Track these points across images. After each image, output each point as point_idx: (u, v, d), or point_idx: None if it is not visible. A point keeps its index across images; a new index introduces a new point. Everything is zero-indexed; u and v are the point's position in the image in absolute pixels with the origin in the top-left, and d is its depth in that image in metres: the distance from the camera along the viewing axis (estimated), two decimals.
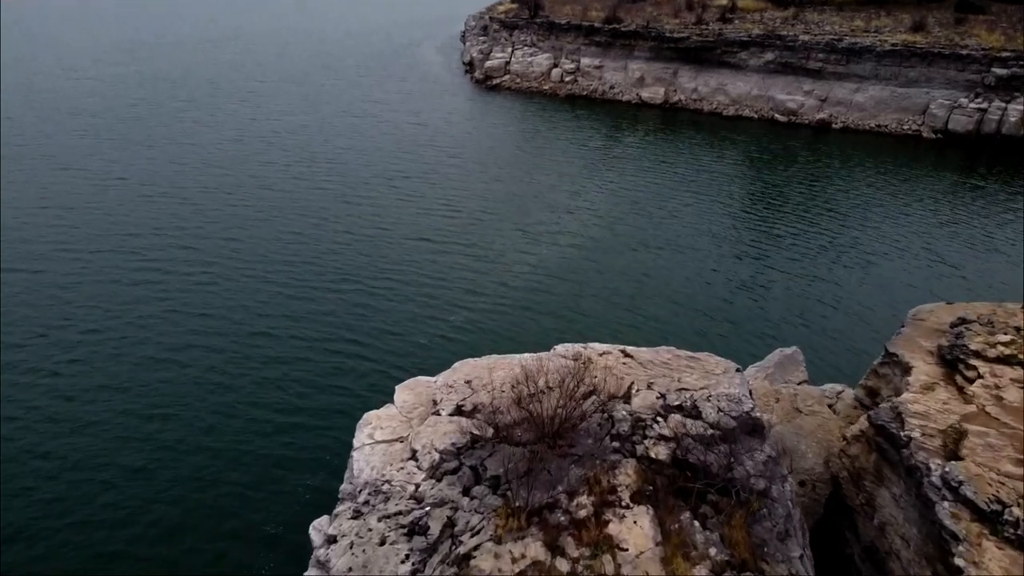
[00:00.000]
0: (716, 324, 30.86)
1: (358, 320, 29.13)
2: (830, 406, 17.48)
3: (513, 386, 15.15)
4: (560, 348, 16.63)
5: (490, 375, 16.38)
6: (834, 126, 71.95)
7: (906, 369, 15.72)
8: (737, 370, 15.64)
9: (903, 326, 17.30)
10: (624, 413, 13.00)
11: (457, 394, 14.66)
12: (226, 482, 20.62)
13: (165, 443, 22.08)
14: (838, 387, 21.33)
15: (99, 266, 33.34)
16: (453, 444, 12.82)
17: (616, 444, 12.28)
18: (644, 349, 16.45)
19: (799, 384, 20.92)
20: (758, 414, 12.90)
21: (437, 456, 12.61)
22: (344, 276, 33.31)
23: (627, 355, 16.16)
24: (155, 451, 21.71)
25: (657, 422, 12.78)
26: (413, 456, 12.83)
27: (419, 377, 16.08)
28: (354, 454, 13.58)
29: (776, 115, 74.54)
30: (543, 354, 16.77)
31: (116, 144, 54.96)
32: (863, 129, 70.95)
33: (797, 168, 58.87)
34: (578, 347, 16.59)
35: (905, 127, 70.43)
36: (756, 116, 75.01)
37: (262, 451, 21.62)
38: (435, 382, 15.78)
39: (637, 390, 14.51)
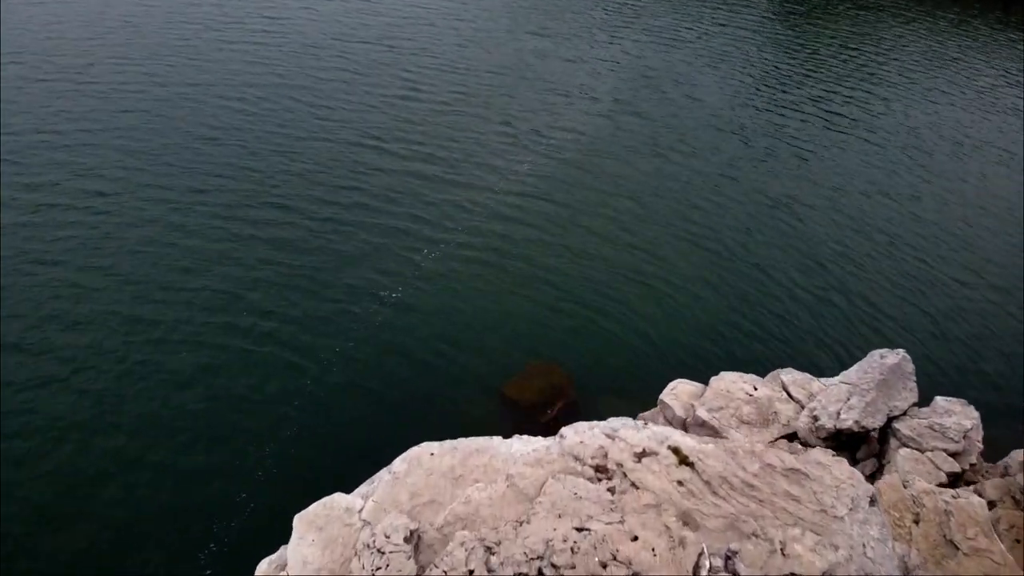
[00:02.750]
0: (749, 272, 23.90)
1: (272, 274, 21.01)
2: (970, 475, 11.36)
3: (490, 551, 8.76)
4: (572, 438, 10.04)
5: (452, 495, 9.96)
6: None
7: None
8: (871, 502, 9.25)
9: None
10: None
11: (391, 571, 8.24)
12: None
13: None
14: (956, 411, 15.12)
15: None
16: None
17: None
18: (709, 444, 9.88)
19: (909, 409, 14.71)
20: None
21: None
22: (265, 196, 24.67)
23: (684, 461, 9.59)
24: None
25: None
26: None
27: (335, 498, 9.60)
28: None
29: None
30: (543, 449, 10.23)
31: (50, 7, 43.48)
32: None
33: (839, 24, 48.95)
34: (601, 439, 10.00)
35: None
36: None
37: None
38: (358, 514, 9.33)
39: (710, 573, 8.16)
